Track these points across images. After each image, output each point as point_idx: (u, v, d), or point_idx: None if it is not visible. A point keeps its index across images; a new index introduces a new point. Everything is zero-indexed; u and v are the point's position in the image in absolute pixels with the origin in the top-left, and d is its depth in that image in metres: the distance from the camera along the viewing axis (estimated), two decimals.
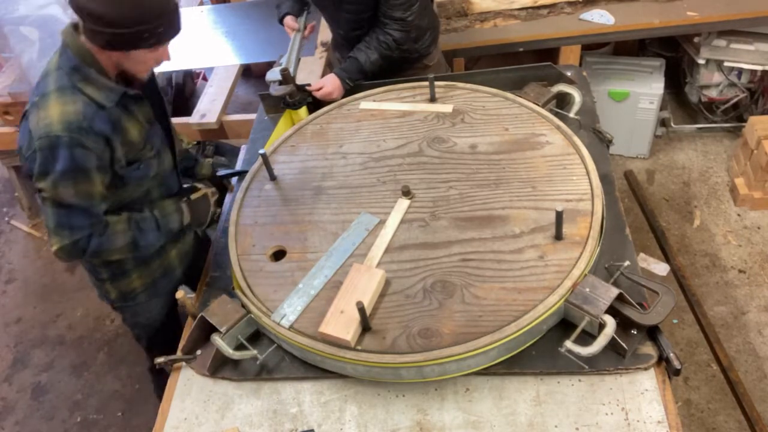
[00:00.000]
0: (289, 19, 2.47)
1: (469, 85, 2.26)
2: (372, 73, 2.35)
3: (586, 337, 1.51)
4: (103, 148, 1.56)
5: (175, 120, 2.97)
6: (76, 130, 1.50)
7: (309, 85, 2.34)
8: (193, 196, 1.95)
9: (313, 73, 2.91)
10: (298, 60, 2.32)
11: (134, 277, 1.91)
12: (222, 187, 2.19)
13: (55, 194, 1.55)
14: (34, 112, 1.53)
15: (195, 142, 3.20)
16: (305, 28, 2.44)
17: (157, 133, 1.78)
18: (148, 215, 1.77)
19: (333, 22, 2.52)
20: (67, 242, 1.60)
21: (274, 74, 2.23)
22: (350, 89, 2.35)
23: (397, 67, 2.46)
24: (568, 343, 1.48)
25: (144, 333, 2.15)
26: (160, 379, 2.35)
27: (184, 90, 3.98)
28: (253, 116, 2.60)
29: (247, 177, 2.10)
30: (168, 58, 1.64)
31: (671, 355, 1.49)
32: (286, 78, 2.22)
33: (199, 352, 1.72)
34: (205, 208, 1.96)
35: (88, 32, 1.50)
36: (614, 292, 1.52)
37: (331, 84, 2.31)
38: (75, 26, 1.55)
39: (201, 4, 3.81)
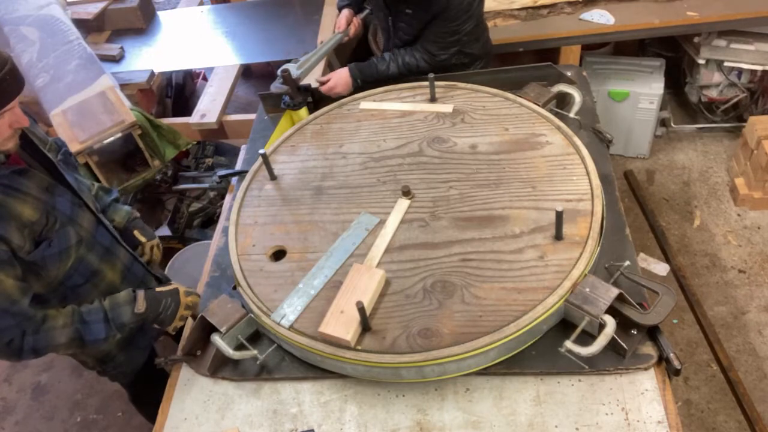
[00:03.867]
0: (345, 15, 2.46)
1: (469, 85, 2.26)
2: (384, 82, 2.35)
3: (586, 337, 1.51)
4: None
5: (175, 120, 3.00)
6: None
7: (309, 85, 2.34)
8: (161, 288, 1.73)
9: (312, 73, 2.91)
10: (317, 62, 2.31)
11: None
12: (133, 242, 1.97)
13: None
14: None
15: (195, 142, 3.21)
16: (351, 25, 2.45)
17: (63, 197, 1.62)
18: (96, 306, 1.63)
19: (387, 30, 2.51)
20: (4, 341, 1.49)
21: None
22: (356, 89, 2.35)
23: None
24: (568, 343, 1.48)
25: (126, 380, 2.11)
26: (144, 408, 2.35)
27: (184, 90, 3.98)
28: (253, 116, 2.60)
29: (247, 177, 2.10)
30: (24, 122, 1.49)
31: (671, 355, 1.49)
32: (286, 79, 2.22)
33: (199, 352, 1.72)
34: (172, 304, 1.71)
35: None
36: (614, 292, 1.52)
37: (336, 78, 2.31)
38: None
39: (201, 4, 3.81)
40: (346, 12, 2.49)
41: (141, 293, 1.68)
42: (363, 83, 2.34)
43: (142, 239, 2.00)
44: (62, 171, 1.65)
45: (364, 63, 2.35)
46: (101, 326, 1.62)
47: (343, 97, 2.34)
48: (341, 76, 2.31)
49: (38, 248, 1.54)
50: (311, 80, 2.40)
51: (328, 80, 2.30)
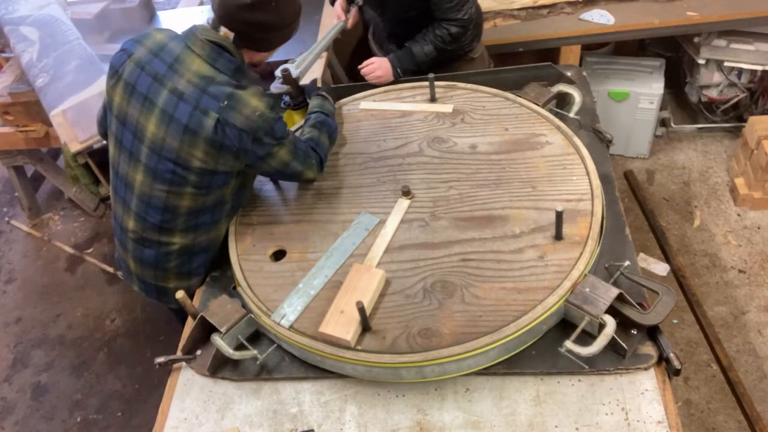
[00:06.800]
0: (340, 4, 2.47)
1: (469, 85, 2.26)
2: (425, 65, 2.35)
3: (586, 337, 1.51)
4: None
5: None
6: (273, 106, 1.73)
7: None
8: (319, 83, 2.22)
9: (312, 72, 2.91)
10: (315, 59, 2.31)
11: (199, 275, 1.93)
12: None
13: (291, 148, 1.80)
14: (232, 114, 1.64)
15: None
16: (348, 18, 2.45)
17: None
18: (315, 114, 2.04)
19: (377, 16, 2.51)
20: (314, 162, 1.89)
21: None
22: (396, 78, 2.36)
23: (443, 60, 2.47)
24: (568, 343, 1.48)
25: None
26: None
27: None
28: None
29: None
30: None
31: (671, 355, 1.49)
32: (286, 79, 2.21)
33: (199, 352, 1.72)
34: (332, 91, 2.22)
35: (253, 42, 1.73)
36: (614, 292, 1.52)
37: (381, 66, 2.31)
38: (225, 37, 1.69)
39: (201, 4, 3.81)
40: (341, 1, 2.49)
41: (324, 94, 2.14)
42: (403, 71, 2.35)
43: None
44: None
45: (400, 52, 2.36)
46: (329, 120, 2.03)
47: (382, 85, 2.35)
48: (385, 64, 2.32)
49: None
50: (309, 79, 2.39)
51: (371, 65, 2.32)
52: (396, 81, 2.37)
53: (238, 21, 1.65)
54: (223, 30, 1.68)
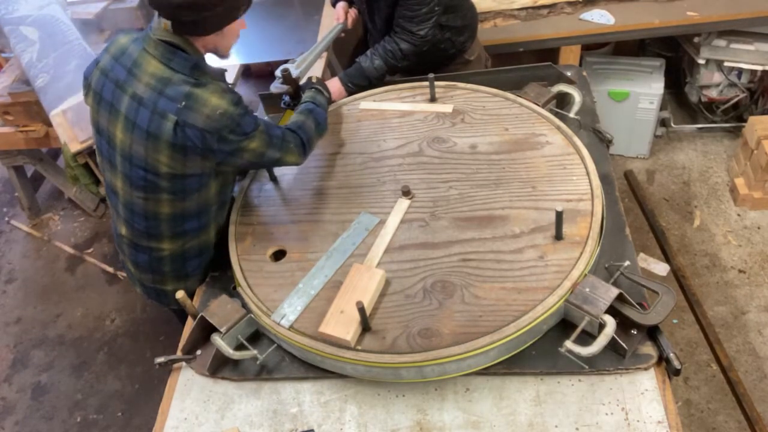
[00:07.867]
0: (341, 6, 2.47)
1: (469, 85, 2.26)
2: (377, 79, 2.34)
3: (586, 337, 1.51)
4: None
5: None
6: (238, 102, 1.66)
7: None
8: (314, 80, 2.16)
9: (312, 72, 2.91)
10: (315, 59, 2.31)
11: (196, 277, 1.93)
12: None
13: (264, 137, 1.72)
14: (190, 114, 1.59)
15: None
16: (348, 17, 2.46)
17: None
18: (304, 104, 2.00)
19: (368, 14, 2.51)
20: (293, 146, 1.80)
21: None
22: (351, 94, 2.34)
23: (437, 62, 2.46)
24: (568, 343, 1.48)
25: None
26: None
27: None
28: None
29: (247, 177, 2.10)
30: (244, 25, 1.78)
31: (671, 355, 1.49)
32: (287, 79, 2.21)
33: (199, 352, 1.72)
34: (325, 85, 2.18)
35: (189, 26, 1.60)
36: (614, 292, 1.52)
37: (331, 88, 2.31)
38: (166, 30, 1.60)
39: None
40: (342, 4, 2.49)
41: (318, 87, 2.09)
42: (356, 87, 2.33)
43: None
44: None
45: (350, 68, 2.35)
46: (319, 110, 1.98)
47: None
48: (334, 85, 2.32)
49: None
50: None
51: None
52: (398, 81, 2.36)
53: (163, 7, 1.56)
54: (163, 22, 1.60)
